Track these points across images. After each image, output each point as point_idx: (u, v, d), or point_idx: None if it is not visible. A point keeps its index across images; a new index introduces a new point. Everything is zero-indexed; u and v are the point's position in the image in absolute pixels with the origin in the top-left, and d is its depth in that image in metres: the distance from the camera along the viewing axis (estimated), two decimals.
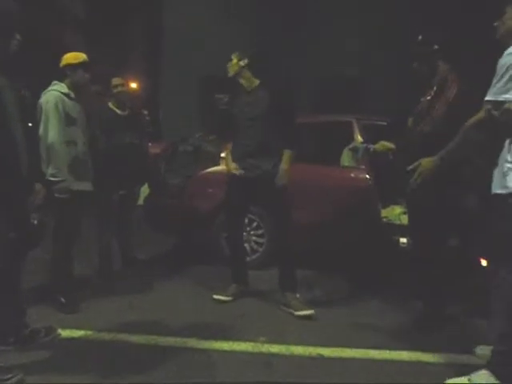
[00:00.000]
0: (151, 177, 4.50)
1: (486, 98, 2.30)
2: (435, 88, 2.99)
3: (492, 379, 2.20)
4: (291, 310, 3.24)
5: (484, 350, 2.61)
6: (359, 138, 4.26)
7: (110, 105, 4.01)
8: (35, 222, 2.52)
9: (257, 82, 3.41)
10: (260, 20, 8.61)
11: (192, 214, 4.35)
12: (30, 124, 3.03)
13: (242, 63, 3.38)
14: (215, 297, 3.50)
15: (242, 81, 3.42)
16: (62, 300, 3.21)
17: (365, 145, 3.63)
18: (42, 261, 3.33)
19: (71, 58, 3.37)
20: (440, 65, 3.04)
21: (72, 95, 3.33)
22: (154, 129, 4.72)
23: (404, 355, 2.68)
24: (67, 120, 3.24)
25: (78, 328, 2.93)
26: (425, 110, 3.02)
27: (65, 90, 3.29)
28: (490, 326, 2.41)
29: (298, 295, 3.35)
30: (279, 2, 8.76)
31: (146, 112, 4.35)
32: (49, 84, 3.30)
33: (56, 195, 3.11)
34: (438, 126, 2.88)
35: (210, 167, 4.34)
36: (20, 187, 2.36)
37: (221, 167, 4.33)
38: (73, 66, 3.33)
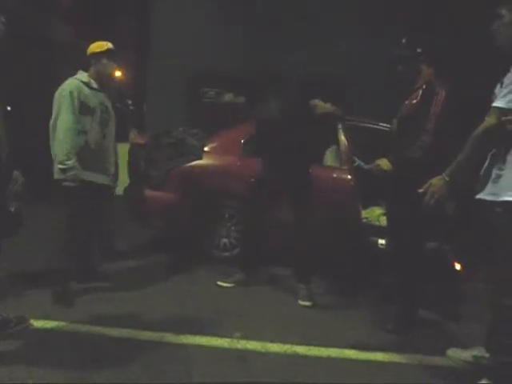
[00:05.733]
0: (131, 168, 4.43)
1: (498, 105, 2.26)
2: (421, 92, 3.02)
3: None
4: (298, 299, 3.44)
5: (455, 353, 2.67)
6: (343, 139, 4.29)
7: None
8: (12, 209, 2.46)
9: None
10: (248, 15, 8.57)
11: (172, 207, 4.32)
12: (8, 108, 2.95)
13: None
14: (219, 283, 3.64)
15: None
16: (60, 291, 3.14)
17: (360, 163, 3.73)
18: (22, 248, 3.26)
19: (95, 46, 3.36)
20: (424, 68, 3.07)
21: (94, 85, 3.30)
22: (138, 120, 4.65)
23: (379, 356, 2.71)
24: (82, 109, 3.18)
25: (52, 319, 2.86)
26: (410, 113, 3.04)
27: (85, 78, 3.27)
28: (489, 336, 2.44)
29: (303, 286, 3.48)
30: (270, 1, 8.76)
31: (129, 102, 4.28)
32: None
33: (66, 184, 3.07)
34: (433, 136, 2.90)
35: (192, 161, 4.30)
36: None
37: (203, 161, 4.31)
38: (97, 55, 3.31)
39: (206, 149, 4.38)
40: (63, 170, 3.08)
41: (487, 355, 2.48)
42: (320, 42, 8.15)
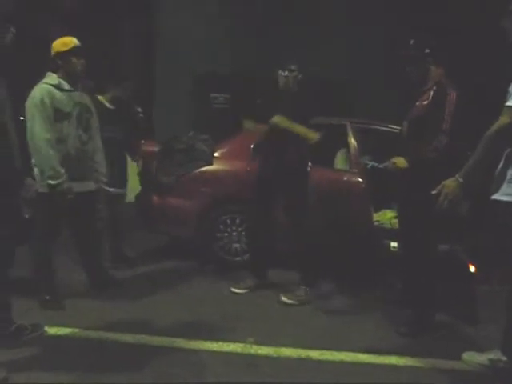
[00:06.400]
0: (143, 175, 4.46)
1: (511, 104, 2.23)
2: (432, 93, 3.00)
3: None
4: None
5: (471, 356, 2.62)
6: (353, 142, 4.28)
7: (101, 98, 3.96)
8: (27, 216, 2.48)
9: None
10: (251, 19, 8.61)
11: (184, 213, 4.33)
12: (21, 118, 2.97)
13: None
14: (232, 289, 3.65)
15: None
16: (46, 297, 3.16)
17: (373, 164, 3.70)
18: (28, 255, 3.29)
19: (60, 44, 3.10)
20: (432, 69, 3.05)
21: (65, 86, 3.08)
22: (147, 126, 4.67)
23: (393, 359, 2.68)
24: (57, 115, 3.00)
25: (66, 326, 2.89)
26: (422, 115, 3.01)
27: (55, 81, 3.04)
28: (507, 340, 2.41)
29: (303, 288, 3.52)
30: (270, 2, 8.81)
31: (139, 109, 4.31)
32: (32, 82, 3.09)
33: (41, 191, 2.94)
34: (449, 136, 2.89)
35: (202, 166, 4.32)
36: (13, 181, 2.33)
37: (213, 166, 4.33)
38: (63, 54, 3.08)
39: (216, 154, 4.39)
40: (54, 186, 2.94)
41: (504, 358, 2.43)
42: (321, 43, 8.18)
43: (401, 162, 3.04)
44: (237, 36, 8.51)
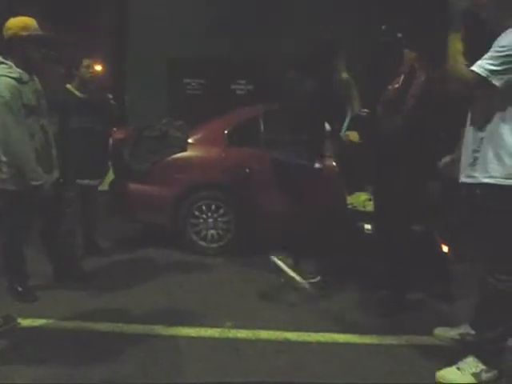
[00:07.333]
0: (114, 162, 4.38)
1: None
2: (403, 76, 3.04)
3: (480, 365, 2.27)
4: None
5: (442, 331, 2.73)
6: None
7: (70, 87, 3.77)
8: None
9: None
10: (230, 2, 8.48)
11: (159, 200, 4.29)
12: None
13: None
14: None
15: None
16: (19, 289, 3.10)
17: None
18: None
19: (18, 26, 2.72)
20: (406, 53, 3.09)
21: (25, 77, 2.77)
22: (119, 113, 4.57)
23: (367, 339, 2.75)
24: (25, 111, 2.76)
25: (40, 317, 2.85)
26: (393, 98, 3.06)
27: (15, 74, 2.72)
28: (477, 315, 2.46)
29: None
30: None
31: (110, 96, 4.20)
32: None
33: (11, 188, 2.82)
34: (410, 118, 2.93)
35: (177, 153, 4.27)
36: None
37: (188, 153, 4.29)
38: (22, 38, 2.73)
39: (190, 140, 4.35)
40: (36, 186, 2.84)
41: (472, 332, 2.53)
42: (305, 29, 8.15)
43: (353, 135, 3.35)
44: (210, 21, 8.37)
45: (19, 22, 2.78)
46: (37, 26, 2.82)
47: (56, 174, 3.18)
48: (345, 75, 3.29)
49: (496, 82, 2.09)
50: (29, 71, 2.85)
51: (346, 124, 4.24)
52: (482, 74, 2.09)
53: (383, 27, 3.13)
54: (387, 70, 3.20)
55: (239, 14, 8.37)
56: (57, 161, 3.18)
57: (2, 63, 2.75)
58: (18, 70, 2.77)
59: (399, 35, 3.08)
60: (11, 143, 2.73)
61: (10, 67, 2.74)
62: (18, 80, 2.74)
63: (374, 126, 3.18)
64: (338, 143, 3.78)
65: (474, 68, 2.12)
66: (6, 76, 2.69)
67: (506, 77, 2.09)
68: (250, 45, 8.21)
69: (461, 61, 2.18)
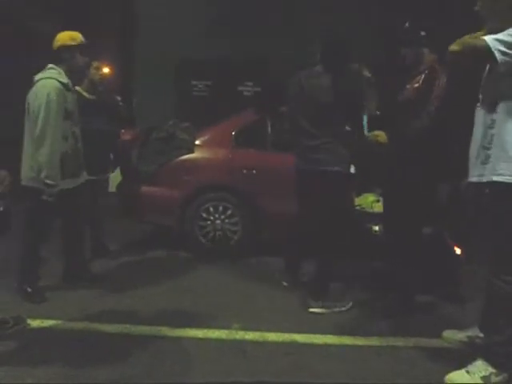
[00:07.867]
0: (122, 164, 4.41)
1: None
2: (423, 76, 3.02)
3: (489, 368, 2.25)
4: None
5: (450, 334, 2.70)
6: None
7: (79, 88, 3.77)
8: (1, 208, 2.43)
9: None
10: (235, 5, 8.52)
11: (166, 202, 4.31)
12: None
13: None
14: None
15: None
16: (29, 290, 3.13)
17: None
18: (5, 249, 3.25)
19: (67, 38, 3.03)
20: (426, 53, 3.07)
21: (70, 85, 3.06)
22: (128, 115, 4.61)
23: (374, 340, 2.73)
24: (64, 114, 3.00)
25: (49, 318, 2.86)
26: (412, 98, 3.04)
27: (64, 79, 3.01)
28: (485, 317, 2.45)
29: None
30: None
31: (119, 98, 4.23)
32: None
33: (44, 198, 2.92)
34: (435, 119, 2.91)
35: (184, 154, 4.29)
36: None
37: (195, 154, 4.30)
38: (70, 49, 3.03)
39: (197, 142, 4.36)
40: (48, 185, 2.91)
41: (481, 335, 2.51)
42: (310, 29, 8.14)
43: (382, 136, 3.11)
44: (214, 22, 8.42)
45: (67, 34, 3.09)
46: (82, 38, 3.11)
47: (84, 177, 3.31)
48: (366, 74, 3.24)
49: (498, 57, 2.08)
50: (74, 80, 3.15)
51: (365, 124, 4.18)
52: (490, 44, 2.08)
53: (406, 24, 3.11)
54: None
55: (252, 17, 8.40)
56: (84, 165, 3.33)
57: (53, 69, 3.04)
58: (67, 77, 3.07)
59: (422, 33, 3.06)
60: (46, 139, 2.90)
61: (60, 73, 3.04)
62: (65, 85, 3.02)
63: (396, 127, 3.14)
64: (359, 144, 3.67)
65: (485, 37, 2.12)
66: (56, 79, 2.97)
67: (508, 57, 2.07)
68: (251, 46, 8.24)
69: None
